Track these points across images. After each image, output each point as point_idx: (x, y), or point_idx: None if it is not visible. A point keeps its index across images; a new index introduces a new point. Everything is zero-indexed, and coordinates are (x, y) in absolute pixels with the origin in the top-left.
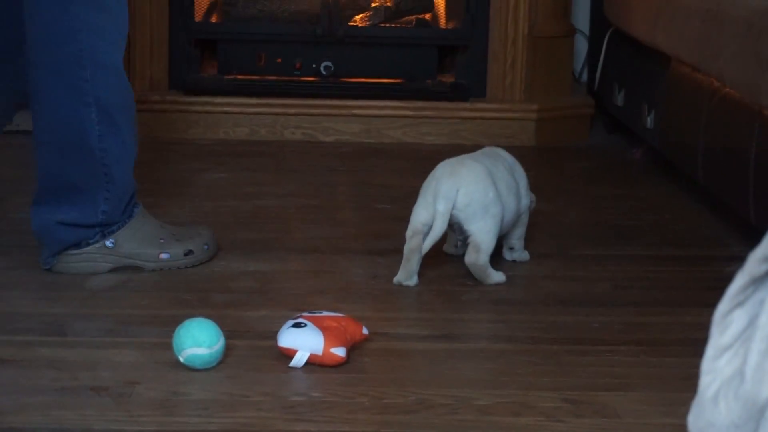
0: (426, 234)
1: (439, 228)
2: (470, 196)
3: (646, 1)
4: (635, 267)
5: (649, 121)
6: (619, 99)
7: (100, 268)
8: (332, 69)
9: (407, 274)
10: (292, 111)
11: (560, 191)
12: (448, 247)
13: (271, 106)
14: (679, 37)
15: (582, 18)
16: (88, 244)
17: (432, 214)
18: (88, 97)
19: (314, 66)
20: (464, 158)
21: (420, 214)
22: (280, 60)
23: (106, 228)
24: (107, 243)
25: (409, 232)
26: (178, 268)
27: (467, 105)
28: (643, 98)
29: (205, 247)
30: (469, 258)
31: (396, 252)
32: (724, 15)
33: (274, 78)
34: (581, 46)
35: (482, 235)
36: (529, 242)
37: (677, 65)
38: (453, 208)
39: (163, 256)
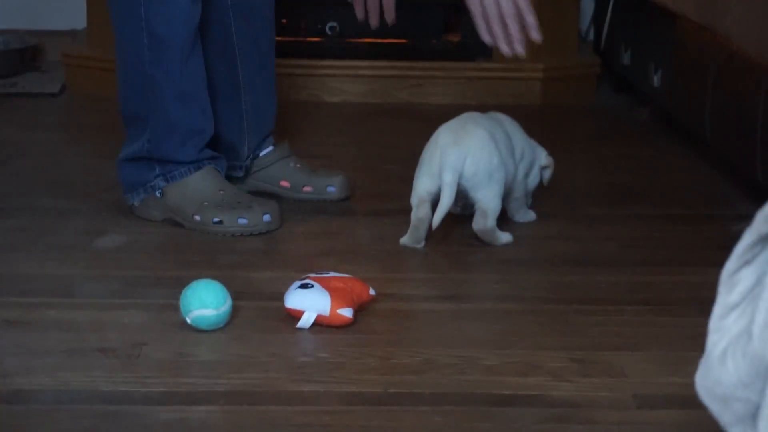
0: (432, 202)
1: (447, 200)
2: (476, 164)
3: None
4: (642, 226)
5: (656, 80)
6: (626, 58)
7: (152, 215)
8: (338, 29)
9: (415, 240)
10: (298, 72)
11: (566, 151)
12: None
13: (277, 66)
14: None
15: None
16: (150, 188)
17: (437, 184)
18: (142, 21)
19: (319, 26)
20: (466, 122)
21: (425, 183)
22: (285, 21)
23: (164, 168)
24: (157, 193)
25: (414, 200)
26: (210, 232)
27: (473, 65)
28: (650, 57)
29: (266, 217)
30: (477, 224)
31: (402, 213)
32: None
33: (279, 39)
34: (587, 4)
35: (488, 201)
36: (535, 202)
37: (684, 23)
38: (460, 177)
39: (197, 217)
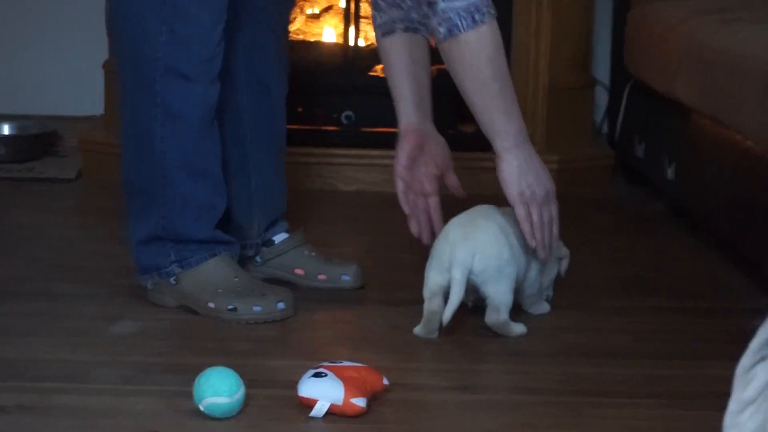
0: (443, 294)
1: (457, 297)
2: (486, 261)
3: (666, 53)
4: (657, 319)
5: (670, 172)
6: (640, 150)
7: (167, 302)
8: (353, 118)
9: (428, 331)
10: (313, 160)
11: (581, 242)
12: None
13: (291, 155)
14: (700, 90)
15: (602, 69)
16: (166, 275)
17: (447, 278)
18: (157, 97)
19: (335, 115)
20: (477, 217)
21: (435, 277)
22: (301, 109)
23: (178, 253)
24: (171, 280)
25: (426, 293)
26: (223, 320)
27: (488, 155)
28: (664, 150)
29: (280, 305)
30: (490, 318)
31: (416, 302)
32: (747, 68)
33: (295, 127)
34: (602, 97)
35: (500, 296)
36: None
37: (698, 117)
38: (470, 273)
39: (211, 305)
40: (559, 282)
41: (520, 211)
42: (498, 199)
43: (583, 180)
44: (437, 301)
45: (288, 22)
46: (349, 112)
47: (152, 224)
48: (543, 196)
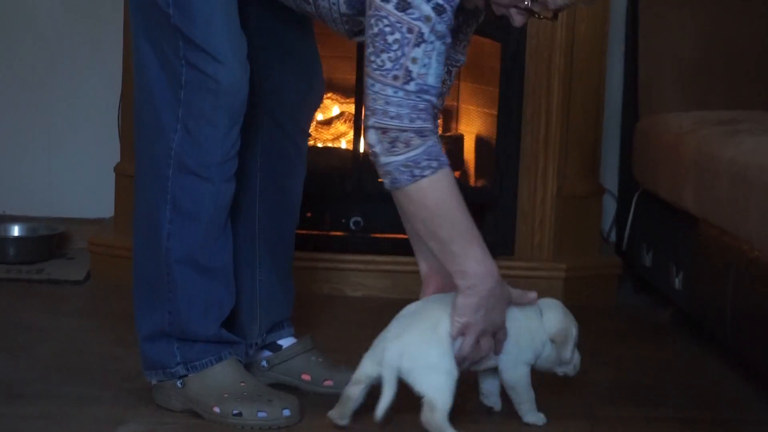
0: (369, 385)
1: (387, 395)
2: (413, 361)
3: (674, 163)
4: (662, 430)
5: (678, 282)
6: (648, 259)
7: (172, 405)
8: (361, 224)
9: (340, 415)
10: (321, 265)
11: (587, 351)
12: None
13: (299, 259)
14: (707, 199)
15: (611, 178)
16: (171, 376)
17: (378, 371)
18: (168, 194)
19: (343, 221)
20: (422, 308)
21: (367, 367)
22: (309, 214)
23: (184, 353)
24: (178, 383)
25: (353, 377)
26: (228, 425)
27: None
28: (672, 259)
29: (285, 412)
30: (424, 416)
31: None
32: (753, 178)
33: (303, 232)
34: (610, 205)
35: (433, 393)
36: (555, 402)
37: (705, 227)
38: (398, 372)
39: (216, 409)
40: (565, 390)
41: (457, 341)
42: None
43: (591, 288)
44: (358, 389)
45: (310, 124)
46: (357, 218)
47: (158, 319)
48: (483, 329)
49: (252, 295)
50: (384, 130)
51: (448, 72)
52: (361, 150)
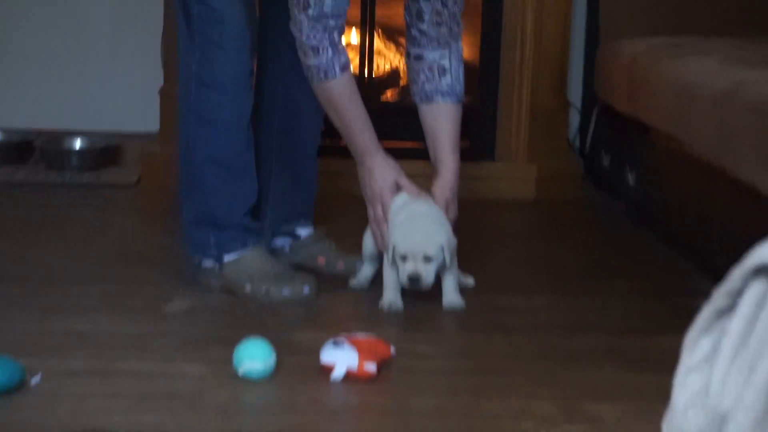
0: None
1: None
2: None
3: (629, 81)
4: (618, 299)
5: (631, 179)
6: (606, 161)
7: (212, 284)
8: None
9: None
10: (334, 169)
11: (555, 237)
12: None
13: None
14: (656, 110)
15: (575, 94)
16: (207, 257)
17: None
18: (191, 104)
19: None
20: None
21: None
22: (323, 128)
23: (217, 237)
24: (216, 267)
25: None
26: (258, 300)
27: (479, 165)
28: (626, 161)
29: (305, 289)
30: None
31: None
32: (694, 93)
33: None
34: (574, 117)
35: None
36: (528, 277)
37: (654, 133)
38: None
39: (248, 288)
40: (537, 268)
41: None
42: (486, 203)
43: (559, 185)
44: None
45: None
46: None
47: (194, 209)
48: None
49: (266, 193)
50: (300, 43)
51: None
52: (366, 73)
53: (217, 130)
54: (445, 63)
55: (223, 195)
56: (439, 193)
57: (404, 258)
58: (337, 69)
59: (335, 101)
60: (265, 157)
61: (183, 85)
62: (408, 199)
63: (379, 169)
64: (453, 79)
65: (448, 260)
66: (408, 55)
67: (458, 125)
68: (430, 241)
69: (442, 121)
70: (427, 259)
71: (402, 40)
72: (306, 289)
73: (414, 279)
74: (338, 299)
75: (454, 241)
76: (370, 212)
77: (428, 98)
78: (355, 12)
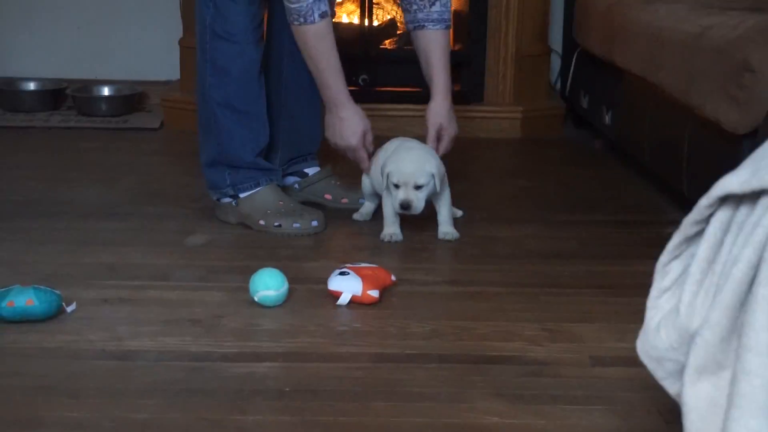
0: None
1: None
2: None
3: (605, 28)
4: (596, 229)
5: (608, 118)
6: (585, 102)
7: (230, 219)
8: (368, 80)
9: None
10: None
11: (540, 172)
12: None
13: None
14: (630, 55)
15: (556, 40)
16: (223, 195)
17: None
18: (207, 54)
19: (354, 78)
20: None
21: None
22: None
23: (232, 177)
24: (233, 203)
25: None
26: (272, 233)
27: (469, 107)
28: (603, 101)
29: (314, 223)
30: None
31: (417, 220)
32: (665, 38)
33: None
34: (556, 62)
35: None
36: (515, 210)
37: (629, 76)
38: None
39: (261, 222)
40: (523, 201)
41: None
42: (476, 141)
43: (542, 125)
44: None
45: (335, 3)
46: (364, 75)
47: (211, 150)
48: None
49: (276, 134)
50: None
51: None
52: (366, 23)
53: (230, 77)
54: None
55: (237, 138)
56: (432, 116)
57: (397, 186)
58: (316, 15)
59: (310, 47)
60: (275, 102)
61: (199, 36)
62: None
63: (349, 120)
64: (442, 5)
65: (438, 186)
66: None
67: (448, 49)
68: (421, 171)
69: (433, 47)
70: (418, 187)
71: None
72: (314, 223)
73: (405, 206)
74: (343, 232)
75: (443, 169)
76: (342, 153)
77: (420, 26)
78: None
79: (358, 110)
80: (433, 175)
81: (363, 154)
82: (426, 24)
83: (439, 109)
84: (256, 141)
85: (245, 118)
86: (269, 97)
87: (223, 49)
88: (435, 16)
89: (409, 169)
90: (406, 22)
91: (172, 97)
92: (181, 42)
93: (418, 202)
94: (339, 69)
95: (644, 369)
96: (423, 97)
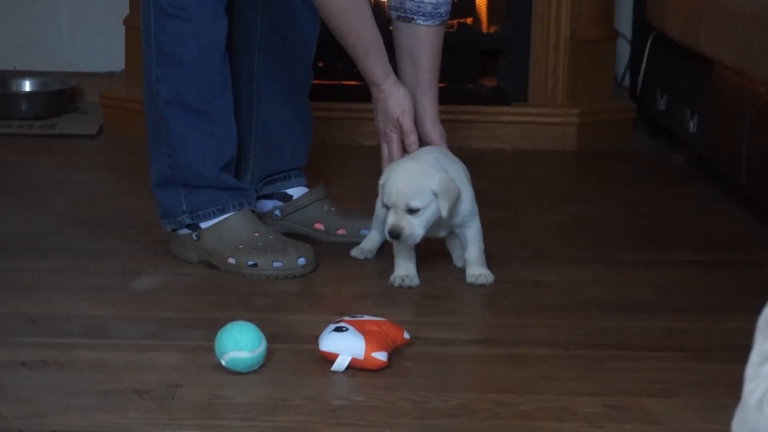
0: None
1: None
2: None
3: (689, 5)
4: (677, 272)
5: (692, 125)
6: (662, 103)
7: (189, 257)
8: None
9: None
10: (334, 115)
11: (602, 196)
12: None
13: (312, 109)
14: (722, 41)
15: (624, 22)
16: (179, 224)
17: None
18: (151, 37)
19: (355, 70)
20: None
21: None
22: (321, 64)
23: (189, 201)
24: (193, 235)
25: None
26: (245, 275)
27: (509, 109)
28: (686, 102)
29: (301, 261)
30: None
31: (436, 256)
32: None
33: (316, 82)
34: (623, 49)
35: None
36: (569, 246)
37: (720, 69)
38: None
39: (231, 260)
40: (579, 235)
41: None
42: (520, 153)
43: (605, 133)
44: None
45: None
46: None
47: (163, 164)
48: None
49: (247, 143)
50: None
51: None
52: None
53: (183, 67)
54: None
55: (193, 146)
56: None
57: (388, 208)
58: None
59: (336, 18)
60: (245, 100)
61: (143, 14)
62: None
63: (382, 102)
64: None
65: (444, 212)
66: None
67: (440, 49)
68: (415, 189)
69: (423, 48)
70: (412, 210)
71: None
72: (301, 261)
73: (394, 234)
74: (340, 273)
75: (455, 188)
76: (384, 152)
77: (407, 17)
78: None
79: (395, 91)
80: (435, 195)
81: (389, 138)
82: (415, 17)
83: (425, 122)
84: (219, 151)
85: (203, 120)
86: (237, 93)
87: (173, 30)
88: (428, 8)
89: (397, 185)
90: (389, 8)
91: (114, 93)
92: (126, 21)
93: (413, 229)
94: (372, 44)
95: None
96: (446, 94)
